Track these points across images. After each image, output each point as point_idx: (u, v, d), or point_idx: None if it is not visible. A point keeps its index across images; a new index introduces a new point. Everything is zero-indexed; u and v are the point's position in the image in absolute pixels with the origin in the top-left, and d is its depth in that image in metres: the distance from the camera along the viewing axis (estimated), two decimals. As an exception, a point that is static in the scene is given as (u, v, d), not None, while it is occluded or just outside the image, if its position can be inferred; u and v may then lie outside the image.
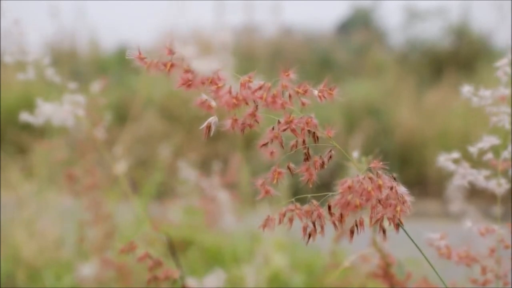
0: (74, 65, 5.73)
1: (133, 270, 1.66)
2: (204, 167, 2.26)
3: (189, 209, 2.40)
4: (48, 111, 1.18)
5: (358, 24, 7.79)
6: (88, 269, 1.52)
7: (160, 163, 2.72)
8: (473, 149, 0.86)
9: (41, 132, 2.50)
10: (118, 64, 6.57)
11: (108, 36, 7.03)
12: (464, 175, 0.89)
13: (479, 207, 2.06)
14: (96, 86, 1.28)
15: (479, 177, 0.89)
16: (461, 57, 6.36)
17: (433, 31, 7.09)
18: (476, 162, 0.89)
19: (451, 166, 0.89)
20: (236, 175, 2.20)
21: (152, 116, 4.21)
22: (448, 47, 6.85)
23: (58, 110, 1.18)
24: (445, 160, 0.89)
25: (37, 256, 2.07)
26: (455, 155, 0.89)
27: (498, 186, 0.88)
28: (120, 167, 1.33)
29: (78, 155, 1.97)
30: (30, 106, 1.25)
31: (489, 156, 0.88)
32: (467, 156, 0.89)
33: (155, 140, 3.93)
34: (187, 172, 2.16)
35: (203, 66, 0.57)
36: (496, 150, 0.88)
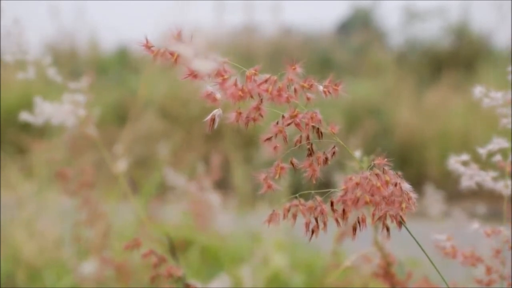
0: (74, 65, 5.73)
1: (132, 269, 1.65)
2: (204, 166, 2.25)
3: (183, 212, 2.40)
4: (47, 111, 1.18)
5: (358, 24, 7.80)
6: (88, 268, 1.51)
7: (159, 163, 2.72)
8: (482, 151, 0.87)
9: (41, 132, 2.50)
10: (118, 64, 6.57)
11: (108, 36, 7.03)
12: (471, 176, 0.89)
13: (464, 208, 2.07)
14: (84, 83, 1.26)
15: (487, 178, 0.89)
16: (461, 57, 6.36)
17: (432, 31, 7.10)
18: (483, 164, 0.89)
19: (461, 169, 0.89)
20: (220, 173, 2.19)
21: (152, 115, 4.22)
22: (448, 47, 6.85)
23: (58, 110, 1.18)
24: (454, 162, 0.90)
25: (37, 256, 2.07)
26: (465, 157, 0.90)
27: (506, 187, 0.88)
28: (120, 166, 1.32)
29: (75, 154, 1.97)
30: (30, 106, 1.25)
31: (498, 158, 0.88)
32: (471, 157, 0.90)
33: (154, 139, 3.94)
34: (175, 179, 2.16)
35: (204, 66, 0.57)
36: (504, 152, 0.88)
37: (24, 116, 1.20)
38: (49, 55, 1.18)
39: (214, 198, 2.06)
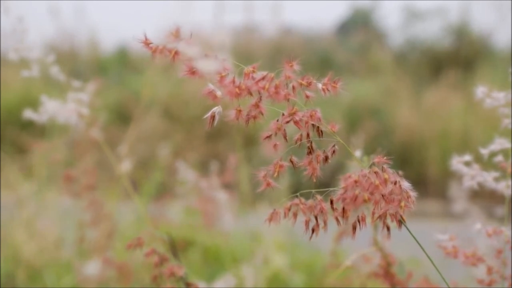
0: (74, 65, 5.73)
1: (133, 269, 1.65)
2: (204, 166, 2.26)
3: (188, 209, 2.39)
4: (52, 109, 1.18)
5: (358, 24, 7.80)
6: (91, 269, 1.51)
7: (160, 163, 2.72)
8: (484, 151, 0.87)
9: (41, 131, 2.50)
10: (118, 64, 6.58)
11: (108, 36, 7.04)
12: (473, 176, 0.89)
13: (482, 206, 2.07)
14: (91, 86, 1.26)
15: (489, 179, 0.89)
16: (461, 57, 6.36)
17: (432, 31, 7.09)
18: (484, 164, 0.89)
19: (464, 169, 0.89)
20: (234, 175, 2.20)
21: (154, 116, 4.22)
22: (448, 47, 6.85)
23: (62, 108, 1.18)
24: (457, 162, 0.90)
25: (37, 256, 2.07)
26: (467, 157, 0.89)
27: (507, 188, 0.88)
28: (125, 167, 1.32)
29: (77, 155, 1.97)
30: (30, 106, 1.25)
31: (499, 158, 0.88)
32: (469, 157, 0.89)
33: (155, 139, 3.94)
34: (186, 172, 2.15)
35: (206, 66, 0.57)
36: (506, 152, 0.88)
37: (28, 114, 1.20)
38: (51, 54, 1.18)
39: (222, 197, 2.06)
